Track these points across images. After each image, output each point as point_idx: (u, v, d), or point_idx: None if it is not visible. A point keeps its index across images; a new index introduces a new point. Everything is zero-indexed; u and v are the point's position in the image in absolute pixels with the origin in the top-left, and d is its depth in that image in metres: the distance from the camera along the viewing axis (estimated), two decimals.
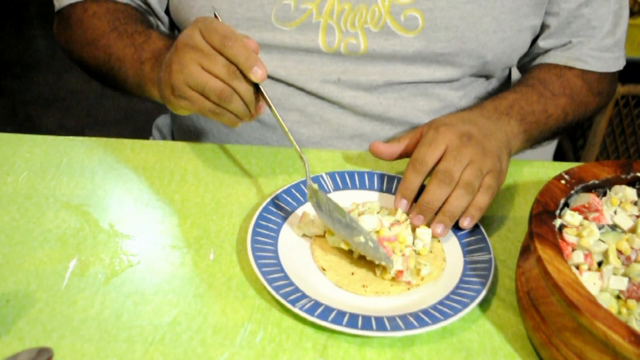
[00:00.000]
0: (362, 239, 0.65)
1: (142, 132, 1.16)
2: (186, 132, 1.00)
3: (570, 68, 0.91)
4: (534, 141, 0.86)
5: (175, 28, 0.97)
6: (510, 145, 0.78)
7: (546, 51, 0.93)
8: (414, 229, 0.69)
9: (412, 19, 0.82)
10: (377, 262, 0.66)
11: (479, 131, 0.73)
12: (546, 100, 0.86)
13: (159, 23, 0.95)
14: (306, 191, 0.72)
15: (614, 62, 0.93)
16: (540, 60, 0.94)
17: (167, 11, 0.94)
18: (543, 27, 0.91)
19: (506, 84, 1.03)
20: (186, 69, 0.67)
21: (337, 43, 0.84)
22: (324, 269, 0.67)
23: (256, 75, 0.66)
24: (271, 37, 0.83)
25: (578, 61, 0.91)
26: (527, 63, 0.98)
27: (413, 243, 0.68)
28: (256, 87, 0.68)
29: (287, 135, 0.71)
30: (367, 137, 0.90)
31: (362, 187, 0.77)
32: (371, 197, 0.76)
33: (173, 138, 1.08)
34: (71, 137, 0.84)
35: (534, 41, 0.93)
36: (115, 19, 0.86)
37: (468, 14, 0.82)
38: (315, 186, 0.70)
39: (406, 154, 0.76)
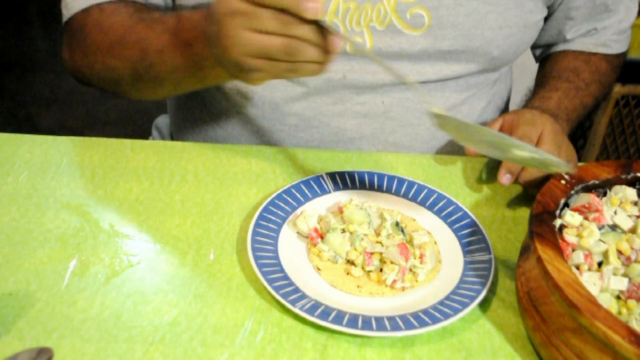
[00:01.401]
0: (526, 153, 0.63)
1: (142, 132, 1.16)
2: (184, 132, 0.99)
3: (595, 53, 0.96)
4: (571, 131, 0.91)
5: None
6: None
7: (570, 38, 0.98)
8: (410, 240, 0.69)
9: (418, 17, 0.82)
10: (547, 171, 0.69)
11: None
12: (582, 93, 0.91)
13: None
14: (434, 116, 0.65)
15: (626, 43, 0.99)
16: (564, 47, 0.98)
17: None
18: (566, 20, 0.95)
19: (509, 82, 1.03)
20: (238, 40, 0.60)
21: (342, 42, 0.83)
22: (318, 269, 0.67)
23: (310, 11, 0.58)
24: None
25: (603, 47, 0.96)
26: (546, 49, 1.01)
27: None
28: (318, 25, 0.60)
29: (380, 63, 0.65)
30: (367, 139, 0.90)
31: (362, 187, 0.77)
32: (372, 197, 0.76)
33: (172, 138, 1.08)
34: (71, 137, 0.84)
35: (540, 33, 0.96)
36: (135, 11, 0.79)
37: (473, 11, 0.82)
38: (441, 111, 0.64)
39: None
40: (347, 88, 0.86)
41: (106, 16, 0.79)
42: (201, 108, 0.94)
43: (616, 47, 0.97)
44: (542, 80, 0.95)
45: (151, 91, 0.82)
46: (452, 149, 0.93)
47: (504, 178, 0.75)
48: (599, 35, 0.95)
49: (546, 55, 1.01)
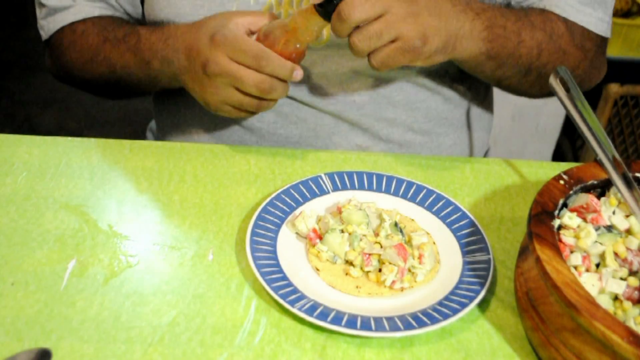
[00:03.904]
0: None
1: (140, 133, 1.16)
2: (168, 134, 0.98)
3: (550, 11, 0.85)
4: (497, 60, 0.81)
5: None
6: (456, 40, 0.74)
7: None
8: (409, 240, 0.69)
9: None
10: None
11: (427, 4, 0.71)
12: (523, 26, 0.81)
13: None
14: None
15: (596, 22, 0.86)
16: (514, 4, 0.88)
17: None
18: None
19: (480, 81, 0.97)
20: (222, 92, 0.74)
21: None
22: (317, 269, 0.66)
23: (297, 78, 0.72)
24: None
25: (555, 7, 0.85)
26: None
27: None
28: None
29: None
30: (345, 135, 0.90)
31: (362, 187, 0.77)
32: (371, 197, 0.76)
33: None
34: (70, 138, 0.84)
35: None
36: (102, 30, 0.87)
37: None
38: None
39: None
40: (315, 87, 0.86)
41: (78, 36, 0.89)
42: (184, 109, 0.94)
43: (575, 15, 0.84)
44: None
45: (126, 95, 0.95)
46: (428, 139, 0.93)
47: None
48: None
49: None
